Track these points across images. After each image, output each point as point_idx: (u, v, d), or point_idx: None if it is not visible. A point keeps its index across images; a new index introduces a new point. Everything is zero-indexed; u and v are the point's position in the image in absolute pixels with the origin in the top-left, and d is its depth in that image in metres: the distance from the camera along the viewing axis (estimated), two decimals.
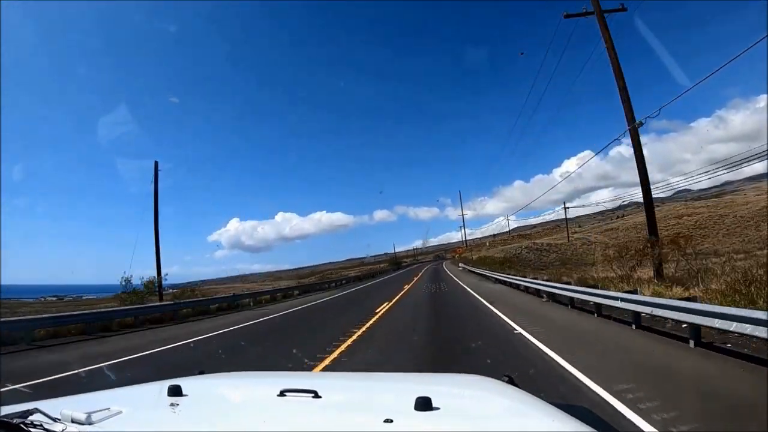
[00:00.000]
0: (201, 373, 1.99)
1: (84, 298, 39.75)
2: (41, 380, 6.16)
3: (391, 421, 1.05)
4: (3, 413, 1.07)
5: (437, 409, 1.16)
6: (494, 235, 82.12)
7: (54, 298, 41.86)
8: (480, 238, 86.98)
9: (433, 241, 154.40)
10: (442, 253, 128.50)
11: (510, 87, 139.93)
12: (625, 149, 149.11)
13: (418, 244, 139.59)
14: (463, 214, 66.83)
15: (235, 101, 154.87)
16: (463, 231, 74.62)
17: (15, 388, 5.27)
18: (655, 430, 3.34)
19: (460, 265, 50.25)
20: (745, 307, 5.70)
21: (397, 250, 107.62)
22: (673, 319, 6.56)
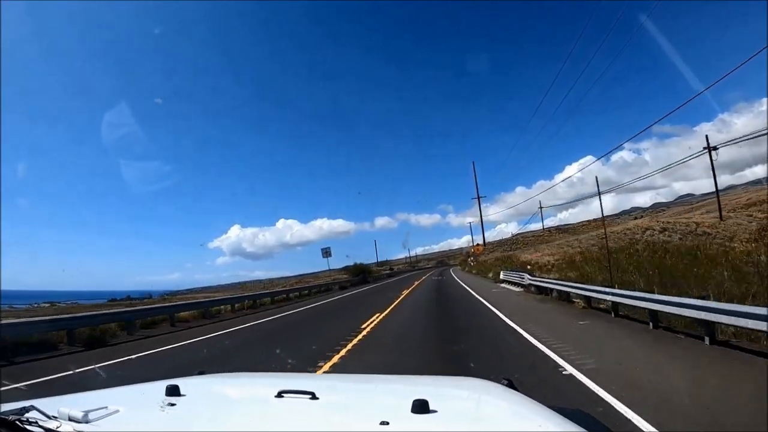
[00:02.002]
0: (201, 373, 2.00)
1: (77, 304, 38.85)
2: None
3: (388, 423, 1.04)
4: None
5: (434, 411, 1.14)
6: (514, 235, 60.07)
7: (47, 305, 40.98)
8: (501, 240, 61.72)
9: (435, 248, 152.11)
10: (445, 258, 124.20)
11: (513, 95, 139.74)
12: (627, 154, 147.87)
13: (419, 250, 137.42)
14: (479, 196, 42.93)
15: (236, 110, 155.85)
16: (479, 214, 49.80)
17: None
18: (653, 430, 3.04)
19: (503, 278, 22.49)
20: None
21: (398, 257, 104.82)
22: None
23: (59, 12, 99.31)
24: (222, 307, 18.51)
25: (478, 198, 43.10)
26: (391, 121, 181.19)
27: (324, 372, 6.16)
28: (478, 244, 41.78)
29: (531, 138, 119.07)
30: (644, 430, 3.04)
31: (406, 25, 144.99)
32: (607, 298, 9.59)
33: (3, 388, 5.10)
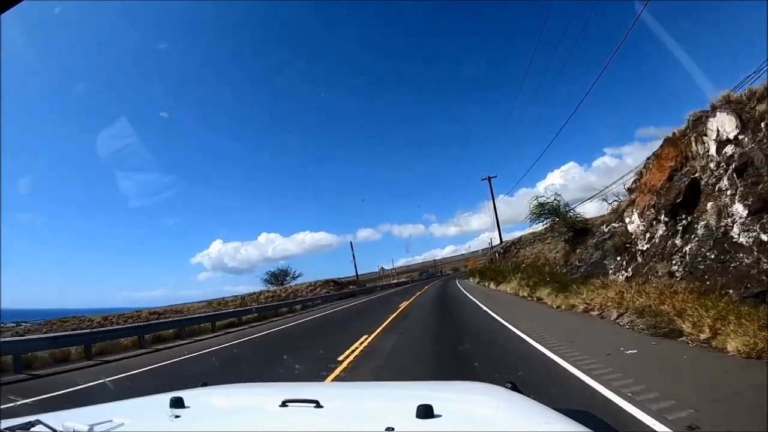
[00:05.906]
0: (204, 384, 2.02)
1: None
2: None
3: (393, 429, 1.04)
4: (5, 426, 1.11)
5: (439, 416, 1.15)
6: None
7: (40, 323, 40.82)
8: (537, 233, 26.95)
9: (418, 258, 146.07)
10: (430, 268, 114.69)
11: (495, 99, 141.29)
12: (610, 160, 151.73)
13: (401, 262, 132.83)
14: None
15: (214, 121, 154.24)
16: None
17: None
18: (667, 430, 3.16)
19: None
20: None
21: (390, 266, 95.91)
22: None
23: (56, 24, 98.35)
24: (75, 348, 11.04)
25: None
26: (380, 132, 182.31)
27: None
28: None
29: (514, 149, 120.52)
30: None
31: (395, 44, 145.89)
32: None
33: (10, 405, 5.01)
